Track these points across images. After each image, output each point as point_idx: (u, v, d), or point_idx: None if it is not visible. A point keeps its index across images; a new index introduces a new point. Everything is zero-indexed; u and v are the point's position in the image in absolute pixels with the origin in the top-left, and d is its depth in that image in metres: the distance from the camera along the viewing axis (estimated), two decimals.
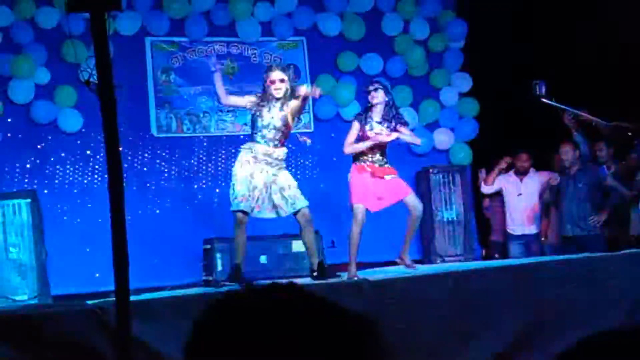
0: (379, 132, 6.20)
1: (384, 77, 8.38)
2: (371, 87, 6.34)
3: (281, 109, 6.06)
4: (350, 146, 6.27)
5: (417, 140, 6.62)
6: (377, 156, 6.23)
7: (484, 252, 8.39)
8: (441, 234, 7.96)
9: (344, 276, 5.98)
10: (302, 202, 6.01)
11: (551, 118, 7.64)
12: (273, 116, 6.06)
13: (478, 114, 8.67)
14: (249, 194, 5.94)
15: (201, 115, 8.09)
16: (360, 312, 1.06)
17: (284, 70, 6.21)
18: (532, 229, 8.00)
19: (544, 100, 7.25)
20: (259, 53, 8.28)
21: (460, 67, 8.76)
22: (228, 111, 8.16)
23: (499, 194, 8.26)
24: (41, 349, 4.44)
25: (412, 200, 6.29)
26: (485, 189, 8.19)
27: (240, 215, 5.95)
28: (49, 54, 7.53)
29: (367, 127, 6.23)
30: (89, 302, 5.16)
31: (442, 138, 8.60)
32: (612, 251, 6.61)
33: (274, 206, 6.04)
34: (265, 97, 6.12)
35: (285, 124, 6.09)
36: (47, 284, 6.82)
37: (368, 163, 6.21)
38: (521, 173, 8.05)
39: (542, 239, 7.93)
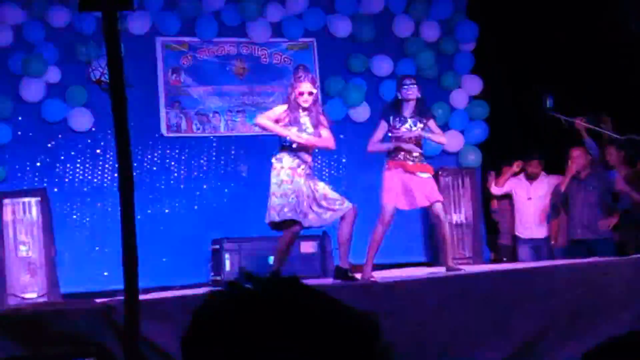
0: (405, 130, 6.14)
1: (395, 80, 8.38)
2: (408, 82, 6.24)
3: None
4: (374, 145, 6.23)
5: (442, 139, 6.51)
6: (413, 152, 6.15)
7: (492, 255, 8.37)
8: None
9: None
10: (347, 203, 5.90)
11: (561, 122, 7.62)
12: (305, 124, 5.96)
13: (488, 117, 8.65)
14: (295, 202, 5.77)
15: (211, 115, 8.10)
16: (362, 310, 1.05)
17: (313, 81, 6.12)
18: (541, 233, 7.98)
19: (552, 113, 7.27)
20: (269, 53, 8.28)
21: (470, 70, 8.74)
22: (238, 111, 8.17)
23: (507, 197, 8.24)
24: (50, 347, 4.45)
25: (439, 209, 6.20)
26: (495, 190, 8.19)
27: (291, 223, 5.78)
28: (60, 53, 7.55)
29: (398, 124, 6.15)
30: (98, 300, 5.17)
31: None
32: (622, 255, 6.59)
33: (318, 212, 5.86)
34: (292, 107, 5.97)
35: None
36: (56, 282, 6.85)
37: (402, 160, 6.12)
38: (531, 177, 8.05)
39: (552, 242, 7.91)
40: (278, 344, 0.98)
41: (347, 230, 5.80)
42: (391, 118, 6.19)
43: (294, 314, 1.01)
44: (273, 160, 5.90)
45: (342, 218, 5.84)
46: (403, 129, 6.15)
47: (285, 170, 5.79)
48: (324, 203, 5.82)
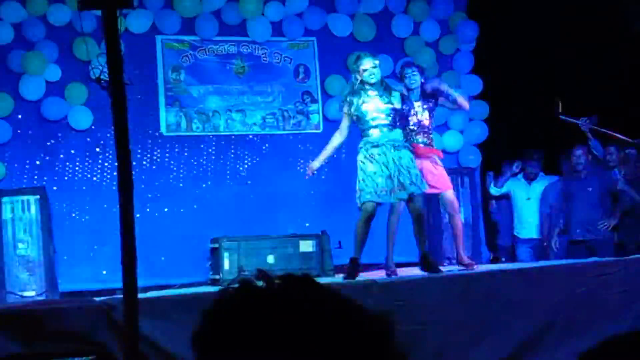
0: (415, 114, 6.21)
1: (395, 79, 8.38)
2: (409, 71, 6.34)
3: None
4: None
5: (465, 103, 6.48)
6: (421, 138, 6.23)
7: (491, 255, 8.37)
8: (449, 237, 7.94)
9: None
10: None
11: (561, 122, 7.62)
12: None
13: (488, 117, 8.65)
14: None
15: (211, 114, 8.09)
16: (376, 310, 1.05)
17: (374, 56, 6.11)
18: (540, 233, 7.99)
19: (564, 117, 7.27)
20: (269, 53, 8.28)
21: (470, 70, 8.74)
22: (237, 111, 8.17)
23: (506, 197, 8.25)
24: (49, 345, 4.45)
25: (449, 196, 6.28)
26: (495, 190, 8.20)
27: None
28: (60, 51, 7.55)
29: (408, 112, 6.21)
30: (97, 299, 5.17)
31: (452, 140, 8.58)
32: (622, 256, 6.58)
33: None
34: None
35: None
36: (55, 281, 6.85)
37: (415, 145, 6.17)
38: (530, 178, 8.06)
39: (544, 244, 7.89)
40: (292, 343, 0.98)
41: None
42: (404, 107, 6.22)
43: (308, 313, 1.00)
44: None
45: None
46: (414, 118, 6.20)
47: None
48: None
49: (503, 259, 8.15)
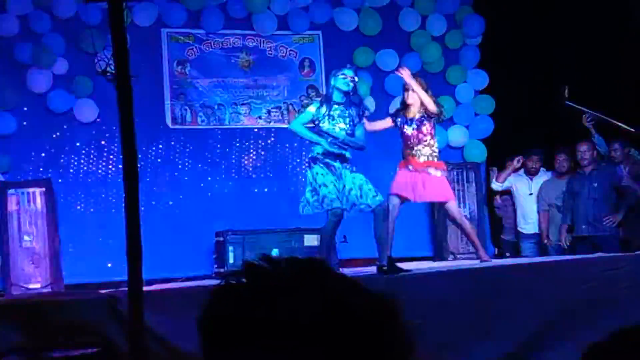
0: (414, 127, 6.29)
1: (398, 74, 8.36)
2: (407, 86, 6.39)
3: None
4: (370, 125, 6.36)
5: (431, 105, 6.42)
6: (423, 150, 6.29)
7: (496, 250, 8.36)
8: (454, 231, 7.93)
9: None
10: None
11: (567, 117, 7.60)
12: None
13: (493, 112, 8.64)
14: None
15: (216, 107, 8.10)
16: (384, 294, 1.04)
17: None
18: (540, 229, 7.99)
19: (570, 104, 7.24)
20: (274, 46, 8.27)
21: (476, 64, 8.72)
22: (243, 104, 8.17)
23: (510, 193, 8.24)
24: (54, 337, 4.47)
25: (453, 208, 6.41)
26: (496, 185, 8.20)
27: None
28: (66, 44, 7.55)
29: (404, 126, 6.32)
30: (102, 291, 5.19)
31: (457, 135, 8.57)
32: (627, 252, 6.57)
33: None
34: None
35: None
36: (60, 273, 6.86)
37: (411, 158, 6.27)
38: (532, 173, 8.05)
39: (545, 241, 7.88)
40: (301, 326, 0.97)
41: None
42: (398, 120, 6.37)
43: (315, 295, 0.99)
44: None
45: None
46: (408, 130, 6.27)
47: None
48: None
49: (507, 254, 8.14)
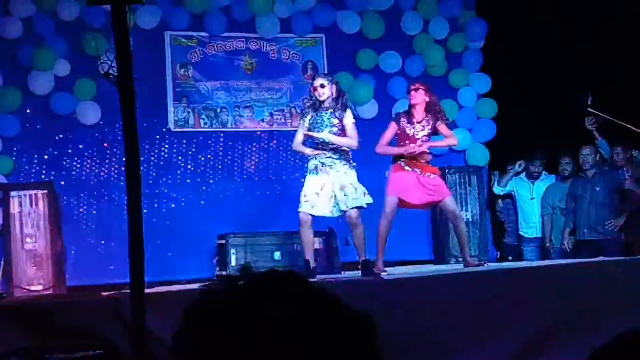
0: (414, 133, 6.26)
1: (403, 76, 8.37)
2: (411, 87, 6.39)
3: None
4: (382, 147, 6.35)
5: (453, 142, 6.64)
6: (422, 153, 6.27)
7: (498, 254, 8.36)
8: (455, 235, 7.94)
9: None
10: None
11: (569, 121, 7.60)
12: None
13: (496, 115, 8.64)
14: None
15: (218, 110, 8.11)
16: (360, 310, 1.03)
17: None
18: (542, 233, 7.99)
19: (591, 110, 7.21)
20: (277, 49, 8.28)
21: (479, 68, 8.73)
22: (245, 107, 8.18)
23: (512, 196, 8.24)
24: (56, 340, 4.47)
25: (450, 204, 6.29)
26: (498, 189, 8.20)
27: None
28: (69, 46, 7.57)
29: (408, 128, 6.27)
30: (104, 293, 5.19)
31: (459, 138, 8.57)
32: (629, 255, 6.56)
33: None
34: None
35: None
36: (62, 275, 6.86)
37: (406, 162, 6.24)
38: (534, 177, 8.05)
39: (547, 244, 7.88)
40: (274, 339, 0.96)
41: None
42: (401, 120, 6.32)
43: (289, 309, 0.98)
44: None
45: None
46: (410, 131, 6.24)
47: None
48: None
49: (510, 258, 8.14)
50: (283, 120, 8.24)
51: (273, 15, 8.15)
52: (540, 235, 7.99)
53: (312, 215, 5.96)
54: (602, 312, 5.04)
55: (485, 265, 6.43)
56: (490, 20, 8.59)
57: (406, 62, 8.46)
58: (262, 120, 8.21)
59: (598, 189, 7.44)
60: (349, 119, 6.03)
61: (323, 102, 6.03)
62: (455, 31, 8.63)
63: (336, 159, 6.01)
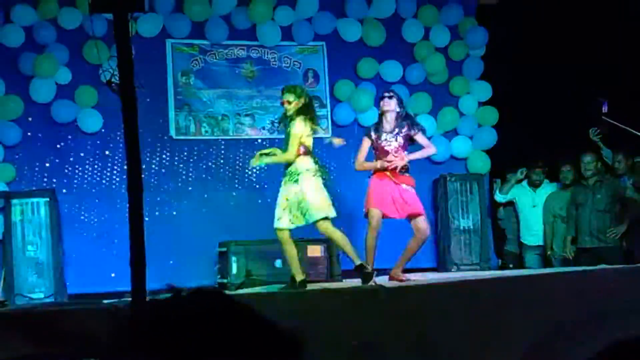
0: (386, 143, 6.25)
1: (404, 84, 8.38)
2: (386, 94, 6.41)
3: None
4: (360, 165, 6.37)
5: (431, 151, 6.55)
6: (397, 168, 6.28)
7: (499, 262, 8.35)
8: (457, 242, 7.93)
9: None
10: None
11: (570, 128, 7.61)
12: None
13: (497, 123, 8.64)
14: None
15: (220, 118, 8.11)
16: (287, 326, 1.04)
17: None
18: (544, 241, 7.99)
19: (606, 119, 7.18)
20: (278, 57, 8.29)
21: (480, 76, 8.74)
22: (246, 115, 8.19)
23: (512, 204, 8.25)
24: (57, 347, 4.47)
25: (421, 222, 6.25)
26: (500, 197, 8.21)
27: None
28: (71, 54, 7.58)
29: (380, 140, 6.30)
30: (105, 301, 5.19)
31: (460, 146, 8.58)
32: (630, 263, 6.55)
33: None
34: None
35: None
36: (63, 283, 6.87)
37: (384, 174, 6.24)
38: (535, 185, 8.05)
39: (548, 252, 7.87)
40: (198, 354, 0.98)
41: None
42: (372, 133, 6.34)
43: (214, 326, 1.00)
44: None
45: None
46: (383, 142, 6.29)
47: None
48: None
49: (511, 266, 8.13)
50: (284, 128, 8.24)
51: (274, 23, 8.17)
52: (541, 243, 7.99)
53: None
54: (604, 320, 5.04)
55: (405, 279, 6.22)
56: (490, 28, 8.60)
57: (407, 70, 8.47)
58: (264, 128, 8.21)
59: (599, 196, 7.44)
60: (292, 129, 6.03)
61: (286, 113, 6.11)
62: (456, 39, 8.64)
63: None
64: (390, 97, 6.33)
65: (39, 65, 7.42)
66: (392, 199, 6.19)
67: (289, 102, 6.03)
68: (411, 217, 6.24)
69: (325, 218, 5.90)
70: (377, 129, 6.33)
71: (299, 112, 6.00)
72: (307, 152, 5.98)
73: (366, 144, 6.35)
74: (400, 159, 6.20)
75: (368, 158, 6.42)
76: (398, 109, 6.31)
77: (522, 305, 5.15)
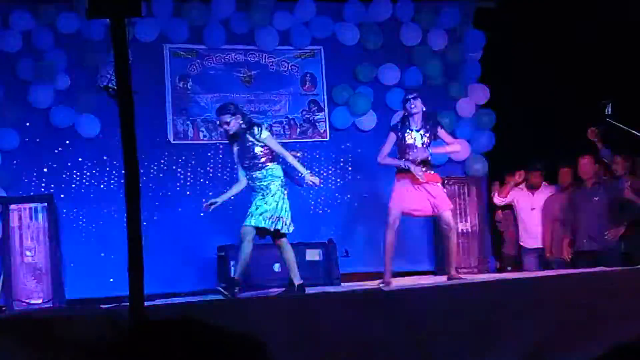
0: (414, 141, 6.39)
1: (402, 88, 8.39)
2: (410, 96, 6.52)
3: None
4: (384, 159, 6.50)
5: (457, 148, 6.86)
6: (419, 165, 6.40)
7: (497, 264, 8.36)
8: (456, 246, 7.92)
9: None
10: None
11: (568, 131, 7.61)
12: None
13: (494, 126, 8.65)
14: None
15: (217, 122, 8.10)
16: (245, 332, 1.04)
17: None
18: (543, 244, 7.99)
19: (611, 121, 7.18)
20: (276, 61, 8.30)
21: (477, 79, 8.75)
22: None
23: (510, 207, 8.25)
24: (55, 353, 4.46)
25: (447, 217, 6.40)
26: (498, 200, 8.22)
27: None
28: (68, 60, 7.58)
29: (407, 136, 6.42)
30: (103, 306, 5.18)
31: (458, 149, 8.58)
32: (628, 266, 6.55)
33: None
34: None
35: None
36: (61, 288, 6.86)
37: (409, 172, 6.35)
38: (533, 187, 8.06)
39: (547, 254, 7.87)
40: None
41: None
42: (399, 130, 6.48)
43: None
44: None
45: None
46: (409, 140, 6.32)
47: None
48: None
49: (509, 269, 8.14)
50: (282, 132, 8.25)
51: (271, 28, 8.18)
52: (540, 246, 8.00)
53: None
54: (602, 322, 5.04)
55: (465, 279, 6.42)
56: (488, 32, 8.61)
57: (405, 73, 8.48)
58: None
59: (597, 199, 7.45)
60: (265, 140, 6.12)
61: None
62: (453, 43, 8.65)
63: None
64: (415, 98, 6.49)
65: (37, 71, 7.42)
66: (417, 195, 6.33)
67: (227, 123, 6.07)
68: (438, 211, 6.37)
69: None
70: (403, 128, 6.47)
71: (250, 125, 6.07)
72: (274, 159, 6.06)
73: (392, 139, 6.51)
74: (423, 152, 6.35)
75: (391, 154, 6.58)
76: (424, 108, 6.47)
77: (521, 308, 5.14)
